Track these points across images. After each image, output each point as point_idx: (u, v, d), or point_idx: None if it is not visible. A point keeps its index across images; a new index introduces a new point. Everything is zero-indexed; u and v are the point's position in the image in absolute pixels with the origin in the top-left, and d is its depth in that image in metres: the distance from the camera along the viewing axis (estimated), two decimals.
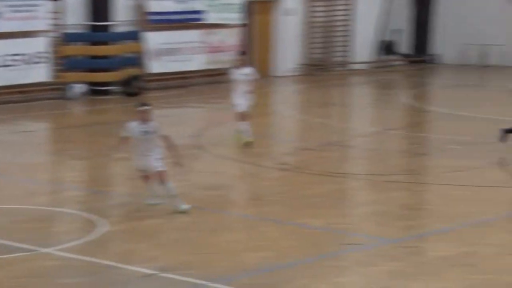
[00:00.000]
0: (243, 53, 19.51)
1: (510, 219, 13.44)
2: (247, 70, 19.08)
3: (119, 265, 11.31)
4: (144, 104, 14.03)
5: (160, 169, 13.74)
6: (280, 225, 13.51)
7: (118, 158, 14.37)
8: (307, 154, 19.06)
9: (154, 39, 29.64)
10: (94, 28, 28.78)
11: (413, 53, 36.34)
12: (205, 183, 16.53)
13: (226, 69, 31.53)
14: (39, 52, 27.42)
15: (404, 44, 36.30)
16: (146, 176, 14.09)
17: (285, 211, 14.51)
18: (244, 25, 31.83)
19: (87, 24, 28.76)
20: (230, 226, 13.41)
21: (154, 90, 28.92)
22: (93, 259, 11.55)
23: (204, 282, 10.55)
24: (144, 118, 13.81)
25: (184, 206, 13.72)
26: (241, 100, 18.89)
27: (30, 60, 27.20)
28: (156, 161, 13.76)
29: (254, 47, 32.97)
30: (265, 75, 32.00)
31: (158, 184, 13.86)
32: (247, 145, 18.79)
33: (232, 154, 19.21)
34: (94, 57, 28.72)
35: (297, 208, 14.42)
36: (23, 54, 27.08)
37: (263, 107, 23.44)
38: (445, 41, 35.83)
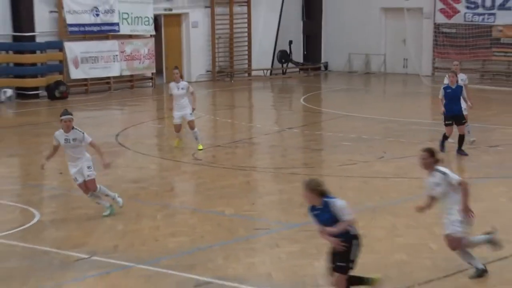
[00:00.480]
0: (176, 67, 18.97)
1: (396, 206, 13.74)
2: (183, 84, 18.47)
3: (54, 250, 11.38)
4: (66, 113, 13.05)
5: (88, 178, 12.93)
6: (197, 213, 13.65)
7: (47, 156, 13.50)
8: (218, 150, 19.15)
9: (73, 48, 29.35)
10: (16, 38, 28.30)
11: (305, 62, 36.65)
12: (129, 176, 16.55)
13: (141, 75, 31.77)
14: None
15: (297, 54, 36.58)
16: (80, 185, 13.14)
17: (201, 201, 14.74)
18: (155, 37, 31.77)
19: (10, 34, 28.31)
20: (152, 214, 13.39)
21: (77, 94, 28.76)
22: (31, 245, 11.61)
23: (131, 264, 10.68)
24: (67, 126, 12.89)
25: (119, 199, 13.28)
26: (179, 112, 18.42)
27: None
28: (86, 169, 12.97)
29: (166, 55, 33.06)
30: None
31: (85, 192, 13.13)
32: (199, 150, 18.45)
33: (152, 151, 19.28)
34: (19, 64, 28.32)
35: (212, 198, 14.57)
36: None
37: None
38: (333, 51, 36.26)
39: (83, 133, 12.95)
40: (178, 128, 18.60)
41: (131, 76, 31.30)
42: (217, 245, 11.61)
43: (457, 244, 9.81)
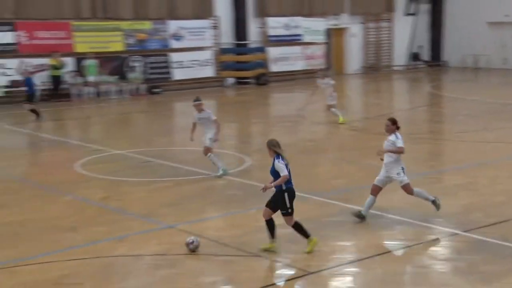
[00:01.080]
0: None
1: (498, 163, 12.80)
2: (327, 80, 17.76)
3: (260, 184, 11.32)
4: (196, 100, 11.74)
5: (205, 145, 11.69)
6: (353, 164, 12.94)
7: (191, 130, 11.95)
8: (368, 121, 18.66)
9: (272, 52, 29.60)
10: (237, 45, 28.91)
11: (431, 60, 35.28)
12: (307, 137, 16.40)
13: (316, 70, 31.66)
14: (207, 59, 27.69)
15: (425, 54, 35.31)
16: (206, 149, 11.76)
17: (358, 155, 13.81)
18: (326, 43, 31.55)
19: (234, 42, 28.92)
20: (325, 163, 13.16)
21: (274, 82, 29.00)
22: (244, 180, 11.36)
23: (308, 196, 10.47)
24: (198, 109, 11.66)
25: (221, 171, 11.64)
26: (328, 99, 17.59)
27: (202, 64, 27.51)
28: (207, 139, 11.69)
29: (333, 56, 32.73)
30: (340, 73, 31.87)
31: (205, 155, 11.75)
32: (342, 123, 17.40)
33: (323, 120, 19.08)
34: (238, 62, 28.88)
35: (366, 153, 13.92)
36: (197, 60, 27.43)
37: (339, 93, 23.25)
38: (451, 52, 34.63)
39: (209, 113, 11.72)
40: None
41: (309, 70, 31.23)
42: (365, 186, 10.87)
43: None
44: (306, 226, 7.89)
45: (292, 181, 7.85)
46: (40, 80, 23.18)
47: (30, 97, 19.38)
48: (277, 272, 7.42)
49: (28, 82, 19.57)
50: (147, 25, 25.95)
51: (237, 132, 17.82)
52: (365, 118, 19.29)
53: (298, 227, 7.91)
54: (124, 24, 25.36)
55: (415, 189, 9.18)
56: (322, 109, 18.64)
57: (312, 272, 7.26)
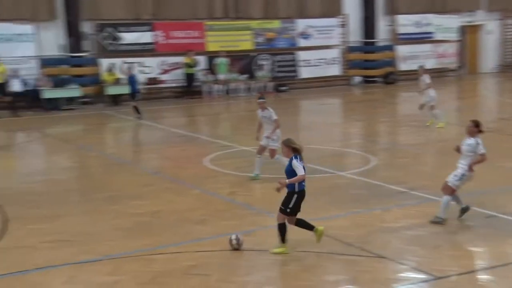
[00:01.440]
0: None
1: None
2: (425, 77, 16.73)
3: (384, 184, 11.10)
4: (260, 98, 11.66)
5: (271, 147, 11.47)
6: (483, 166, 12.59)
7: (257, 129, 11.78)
8: (503, 122, 17.69)
9: (401, 50, 28.97)
10: (366, 43, 28.57)
11: None
12: (436, 137, 15.75)
13: (447, 68, 30.57)
14: (334, 57, 27.60)
15: None
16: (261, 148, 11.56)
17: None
18: (459, 41, 30.33)
19: (361, 41, 28.59)
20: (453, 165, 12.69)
21: (402, 81, 28.31)
22: (368, 180, 11.23)
23: (437, 198, 10.13)
24: (261, 107, 11.50)
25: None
26: (424, 98, 16.69)
27: (328, 62, 27.47)
28: (270, 140, 11.46)
29: (467, 54, 31.41)
30: (474, 72, 30.62)
31: (271, 158, 11.55)
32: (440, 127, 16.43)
33: (453, 121, 18.30)
34: (366, 60, 28.56)
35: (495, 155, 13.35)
36: (324, 59, 27.40)
37: (472, 92, 22.35)
38: None
39: (271, 112, 11.45)
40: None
41: (440, 68, 30.25)
42: (498, 189, 10.49)
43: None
44: (434, 230, 7.65)
45: (305, 182, 7.72)
46: (175, 78, 24.38)
47: (133, 95, 19.81)
48: (401, 274, 7.25)
49: (131, 80, 20.05)
50: (276, 24, 26.31)
51: (363, 131, 17.61)
52: (499, 119, 18.30)
53: (301, 223, 7.87)
54: (254, 23, 25.88)
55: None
56: (452, 109, 17.92)
57: (440, 277, 7.02)
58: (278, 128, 11.56)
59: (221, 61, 25.07)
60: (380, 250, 7.80)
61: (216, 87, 25.03)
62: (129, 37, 23.77)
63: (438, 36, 29.60)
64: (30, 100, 21.76)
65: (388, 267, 7.40)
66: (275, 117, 11.51)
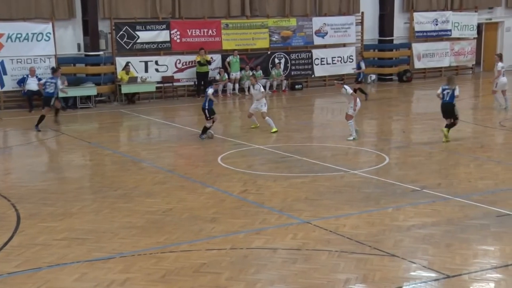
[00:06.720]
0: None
1: None
2: (499, 64, 18.89)
3: (397, 183, 11.03)
4: (252, 74, 16.42)
5: (262, 111, 15.85)
6: (500, 165, 12.33)
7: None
8: None
9: (418, 48, 28.81)
10: (382, 41, 28.44)
11: None
12: (451, 136, 15.65)
13: (464, 66, 30.30)
14: (349, 55, 27.50)
15: None
16: None
17: (506, 155, 13.38)
18: (477, 38, 30.09)
19: (377, 39, 28.48)
20: (466, 163, 12.50)
21: (417, 79, 28.15)
22: (382, 179, 11.21)
23: (450, 197, 10.09)
24: (253, 82, 15.94)
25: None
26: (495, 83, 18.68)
27: (344, 60, 27.38)
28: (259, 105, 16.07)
29: (484, 52, 31.14)
30: (492, 70, 30.17)
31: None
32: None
33: (469, 119, 18.14)
34: (381, 58, 28.44)
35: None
36: (340, 57, 27.31)
37: (489, 90, 22.05)
38: None
39: (260, 86, 16.14)
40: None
41: (457, 66, 30.03)
42: (510, 188, 10.50)
43: None
44: (447, 228, 7.58)
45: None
46: (189, 76, 24.44)
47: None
48: (413, 273, 7.22)
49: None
50: (292, 22, 26.27)
51: (377, 129, 17.56)
52: None
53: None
54: (270, 21, 25.87)
55: None
56: (468, 107, 17.78)
57: (451, 275, 6.99)
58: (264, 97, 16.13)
59: (234, 59, 25.06)
60: (392, 248, 7.78)
61: (229, 85, 25.03)
62: (145, 35, 23.85)
63: (456, 34, 29.37)
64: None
65: (400, 265, 7.38)
66: (262, 90, 16.21)
